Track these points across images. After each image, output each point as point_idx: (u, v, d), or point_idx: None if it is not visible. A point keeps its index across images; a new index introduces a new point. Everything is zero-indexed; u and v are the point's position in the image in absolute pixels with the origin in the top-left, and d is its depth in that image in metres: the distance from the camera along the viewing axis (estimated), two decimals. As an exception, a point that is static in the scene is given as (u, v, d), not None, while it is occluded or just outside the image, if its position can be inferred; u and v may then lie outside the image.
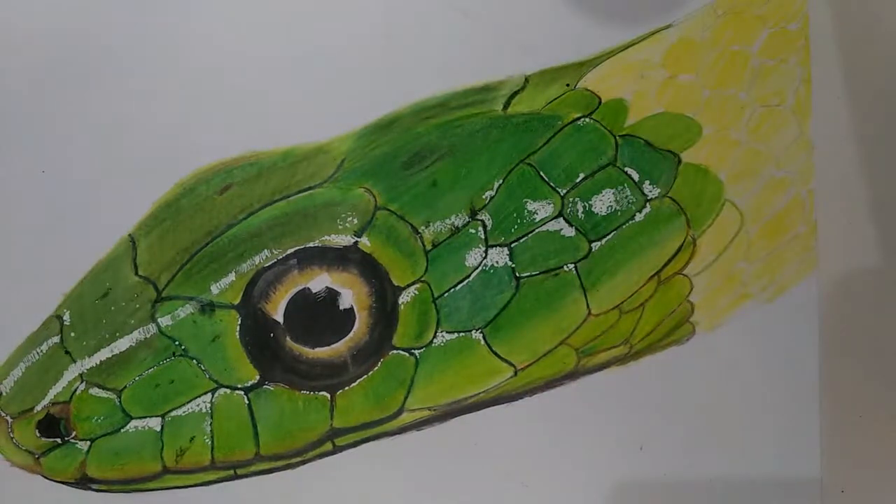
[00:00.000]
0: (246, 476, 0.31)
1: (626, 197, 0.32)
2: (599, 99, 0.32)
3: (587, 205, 0.32)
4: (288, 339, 0.30)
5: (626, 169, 0.32)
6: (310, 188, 0.31)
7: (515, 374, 0.32)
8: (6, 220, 0.31)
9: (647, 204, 0.32)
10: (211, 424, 0.30)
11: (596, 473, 0.32)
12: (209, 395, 0.30)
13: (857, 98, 0.34)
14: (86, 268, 0.30)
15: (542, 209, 0.31)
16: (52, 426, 0.29)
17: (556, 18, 0.32)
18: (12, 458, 0.30)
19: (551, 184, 0.31)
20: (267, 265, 0.30)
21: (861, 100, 0.34)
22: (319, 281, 0.30)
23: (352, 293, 0.30)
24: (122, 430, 0.30)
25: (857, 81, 0.34)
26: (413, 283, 0.31)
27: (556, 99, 0.32)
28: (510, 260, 0.31)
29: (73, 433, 0.30)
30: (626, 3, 0.33)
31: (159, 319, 0.30)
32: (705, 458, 0.33)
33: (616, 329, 0.32)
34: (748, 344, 0.33)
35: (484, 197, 0.31)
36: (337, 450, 0.31)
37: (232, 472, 0.31)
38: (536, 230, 0.31)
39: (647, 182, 0.32)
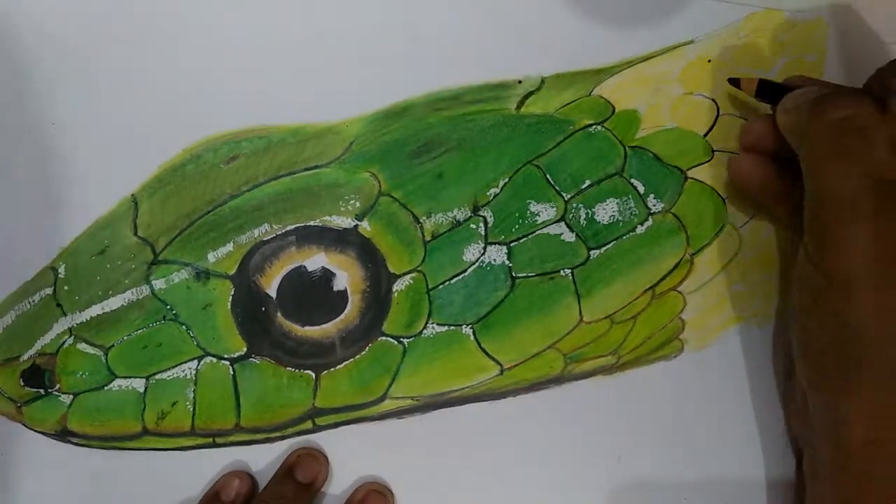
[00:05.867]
0: (224, 445, 0.31)
1: (630, 208, 0.32)
2: (613, 108, 0.32)
3: (590, 212, 0.32)
4: (279, 314, 0.30)
5: (632, 180, 0.32)
6: (316, 167, 0.31)
7: (501, 372, 0.32)
8: (11, 169, 0.31)
9: (650, 217, 0.32)
10: (194, 391, 0.30)
11: (572, 479, 0.32)
12: (195, 361, 0.30)
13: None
14: (86, 223, 0.30)
15: (544, 212, 0.31)
16: (36, 376, 0.30)
17: (579, 23, 0.32)
18: (-6, 404, 0.30)
19: (556, 187, 0.32)
20: (265, 239, 0.30)
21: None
22: (316, 260, 0.30)
23: (347, 276, 0.30)
24: (106, 388, 0.30)
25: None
26: (409, 272, 0.31)
27: (570, 103, 0.32)
28: (508, 259, 0.31)
29: (57, 386, 0.30)
30: (648, 15, 0.33)
31: (153, 282, 0.30)
32: (684, 475, 0.33)
33: (606, 338, 0.32)
34: (736, 366, 0.33)
35: (488, 194, 0.31)
36: (316, 429, 0.31)
37: (211, 440, 0.31)
38: (537, 232, 0.31)
39: (652, 196, 0.32)
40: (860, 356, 0.25)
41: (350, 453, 0.32)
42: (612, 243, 0.32)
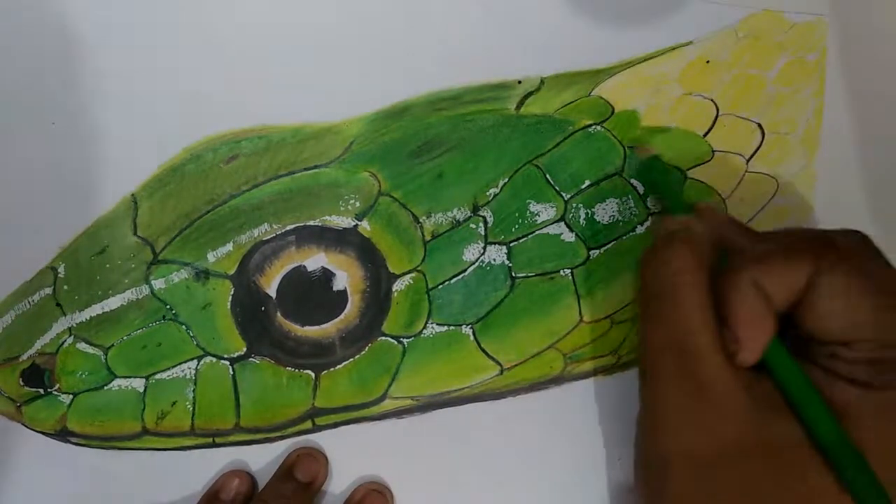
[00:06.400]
0: (224, 445, 0.31)
1: (630, 208, 0.32)
2: (612, 108, 0.32)
3: (590, 212, 0.32)
4: (278, 314, 0.30)
5: (631, 180, 0.32)
6: (316, 167, 0.31)
7: (501, 372, 0.32)
8: (12, 168, 0.31)
9: (650, 217, 0.32)
10: (194, 391, 0.30)
11: (572, 479, 0.32)
12: (195, 361, 0.30)
13: (864, 136, 0.34)
14: (86, 223, 0.30)
15: (544, 212, 0.31)
16: (36, 376, 0.30)
17: (578, 24, 0.32)
18: (-7, 404, 0.30)
19: (556, 187, 0.32)
20: (265, 239, 0.30)
21: (869, 139, 0.34)
22: (316, 260, 0.30)
23: (346, 275, 0.30)
24: (106, 388, 0.30)
25: (866, 119, 0.34)
26: (409, 272, 0.31)
27: (569, 103, 0.32)
28: (508, 259, 0.31)
29: (57, 385, 0.30)
30: (648, 16, 0.33)
31: (153, 282, 0.30)
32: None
33: (606, 338, 0.32)
34: (735, 366, 0.33)
35: (488, 193, 0.31)
36: (316, 429, 0.31)
37: (210, 440, 0.31)
38: (537, 232, 0.31)
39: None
40: (662, 488, 0.25)
41: (350, 453, 0.32)
42: (612, 243, 0.32)
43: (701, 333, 0.25)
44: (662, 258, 0.27)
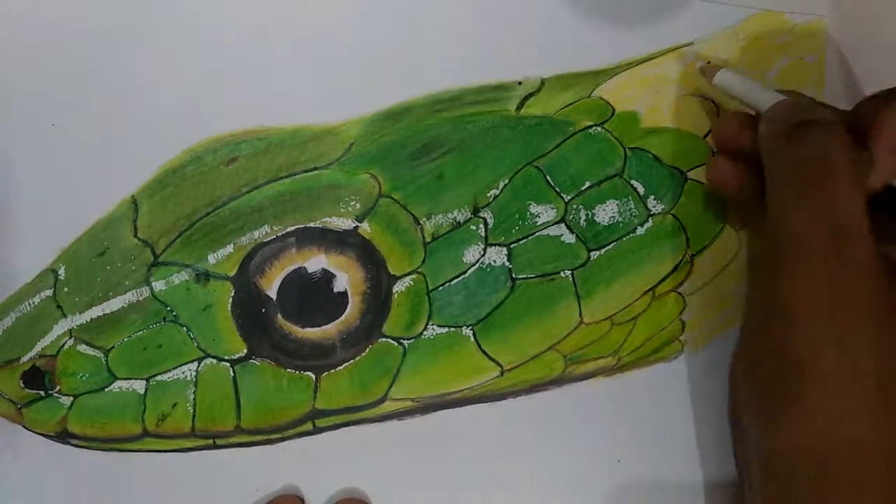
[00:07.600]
0: (225, 447, 0.31)
1: (630, 210, 0.32)
2: (613, 109, 0.32)
3: (590, 213, 0.32)
4: (279, 315, 0.30)
5: (632, 182, 0.32)
6: (316, 168, 0.31)
7: (502, 374, 0.32)
8: (12, 169, 0.31)
9: (650, 219, 0.32)
10: (194, 393, 0.30)
11: (572, 481, 0.32)
12: (195, 363, 0.30)
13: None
14: (86, 225, 0.30)
15: (544, 213, 0.31)
16: (36, 378, 0.30)
17: (579, 25, 0.32)
18: (-6, 406, 0.30)
19: (556, 189, 0.32)
20: (266, 241, 0.30)
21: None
22: (316, 262, 0.30)
23: (347, 277, 0.30)
24: (106, 390, 0.30)
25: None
26: (409, 274, 0.31)
27: (570, 104, 0.32)
28: (508, 260, 0.31)
29: (57, 387, 0.30)
30: (648, 17, 0.33)
31: (153, 283, 0.30)
32: (684, 477, 0.33)
33: (606, 340, 0.32)
34: (735, 367, 0.33)
35: (488, 195, 0.31)
36: (317, 430, 0.31)
37: (211, 441, 0.31)
38: (537, 233, 0.31)
39: (652, 197, 0.32)
40: (799, 390, 0.25)
41: (350, 455, 0.32)
42: (613, 244, 0.32)
43: (858, 208, 0.25)
44: (815, 138, 0.26)
